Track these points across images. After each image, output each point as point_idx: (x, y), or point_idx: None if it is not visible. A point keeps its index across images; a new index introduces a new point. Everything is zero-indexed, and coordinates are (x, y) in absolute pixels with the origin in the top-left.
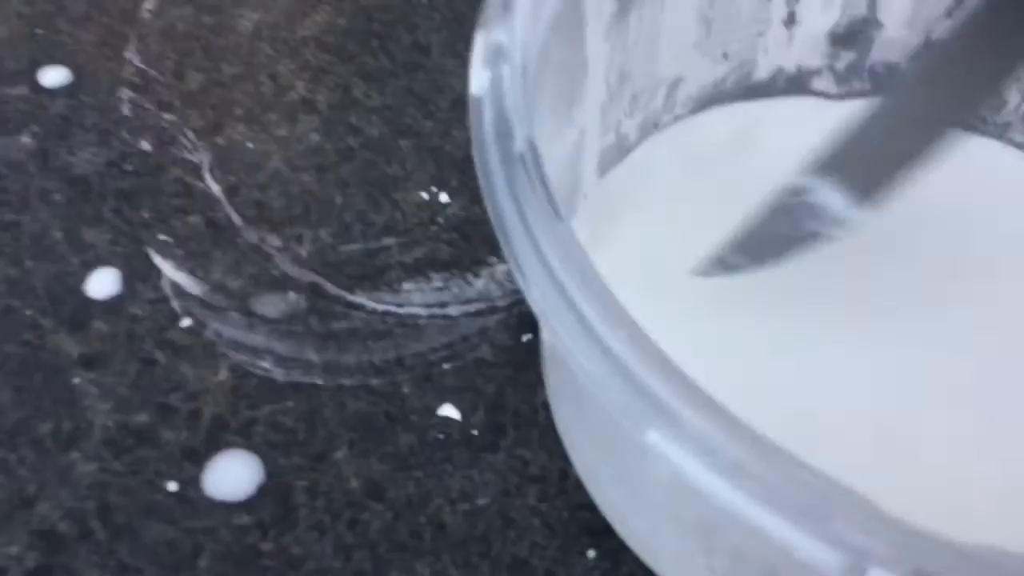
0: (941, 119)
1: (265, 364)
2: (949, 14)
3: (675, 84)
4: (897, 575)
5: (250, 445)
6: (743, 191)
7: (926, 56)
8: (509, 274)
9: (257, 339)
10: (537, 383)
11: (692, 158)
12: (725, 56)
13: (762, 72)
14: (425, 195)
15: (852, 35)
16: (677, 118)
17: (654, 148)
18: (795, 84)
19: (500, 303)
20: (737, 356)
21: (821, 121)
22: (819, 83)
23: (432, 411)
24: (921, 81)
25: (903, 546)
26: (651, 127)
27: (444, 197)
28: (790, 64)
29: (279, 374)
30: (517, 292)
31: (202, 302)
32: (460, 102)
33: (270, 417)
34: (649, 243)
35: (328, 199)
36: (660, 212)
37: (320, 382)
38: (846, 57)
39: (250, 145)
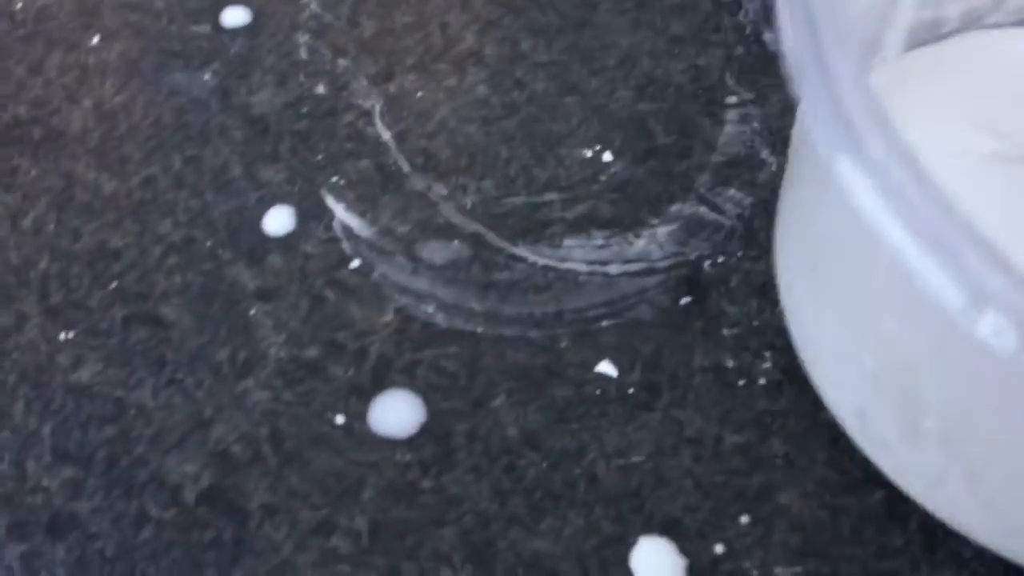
0: None
1: (429, 309)
2: None
3: None
4: (1011, 320)
5: (413, 386)
6: None
7: None
8: (670, 235)
9: (421, 284)
10: (694, 346)
11: (1008, 64)
12: None
13: None
14: (589, 152)
15: None
16: (1003, 24)
17: (965, 43)
18: None
19: (659, 265)
20: None
21: None
22: None
23: (589, 367)
24: None
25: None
26: (974, 22)
27: (607, 156)
28: None
29: (442, 319)
30: (677, 254)
31: (370, 244)
32: (626, 60)
33: (433, 361)
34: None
35: (493, 151)
36: (940, 113)
37: (481, 330)
38: None
39: (420, 94)
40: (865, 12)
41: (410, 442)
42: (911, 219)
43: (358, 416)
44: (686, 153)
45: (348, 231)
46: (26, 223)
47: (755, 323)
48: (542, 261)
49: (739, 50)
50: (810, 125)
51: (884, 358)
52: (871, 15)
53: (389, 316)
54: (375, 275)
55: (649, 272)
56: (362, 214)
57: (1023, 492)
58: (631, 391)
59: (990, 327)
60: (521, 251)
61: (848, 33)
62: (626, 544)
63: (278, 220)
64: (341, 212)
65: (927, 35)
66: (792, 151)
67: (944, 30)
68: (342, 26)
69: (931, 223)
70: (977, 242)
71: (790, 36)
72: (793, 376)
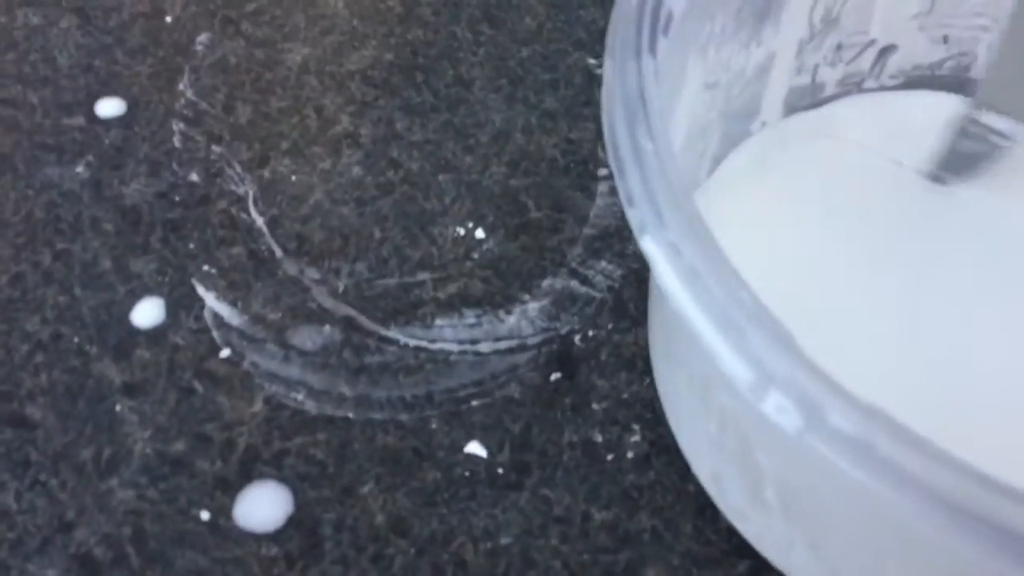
0: None
1: (299, 396)
2: None
3: (887, 50)
4: (791, 399)
5: (281, 476)
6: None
7: None
8: (541, 311)
9: (292, 371)
10: (564, 422)
11: (887, 131)
12: (945, 40)
13: (981, 70)
14: (462, 230)
15: None
16: (883, 87)
17: (846, 108)
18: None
19: (531, 341)
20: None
21: None
22: None
23: (459, 448)
24: None
25: (803, 378)
26: (853, 87)
27: (480, 233)
28: None
29: (312, 406)
30: (548, 330)
31: (241, 333)
32: (500, 136)
33: (301, 449)
34: (801, 184)
35: (367, 233)
36: (830, 164)
37: (351, 415)
38: None
39: (294, 178)
40: (737, 78)
41: (276, 535)
42: (702, 298)
43: (224, 511)
44: (558, 227)
45: (219, 320)
46: None
47: (624, 396)
48: (413, 343)
49: None
50: (625, 205)
51: (724, 428)
52: (746, 81)
53: (258, 405)
54: (245, 364)
55: (520, 349)
56: (233, 302)
57: (864, 560)
58: (500, 471)
59: (774, 405)
60: (393, 333)
61: (670, 113)
62: None
63: (147, 312)
64: (212, 301)
65: (807, 99)
66: None
67: (824, 94)
68: (217, 113)
69: (719, 303)
70: (762, 322)
71: (609, 120)
72: (661, 448)
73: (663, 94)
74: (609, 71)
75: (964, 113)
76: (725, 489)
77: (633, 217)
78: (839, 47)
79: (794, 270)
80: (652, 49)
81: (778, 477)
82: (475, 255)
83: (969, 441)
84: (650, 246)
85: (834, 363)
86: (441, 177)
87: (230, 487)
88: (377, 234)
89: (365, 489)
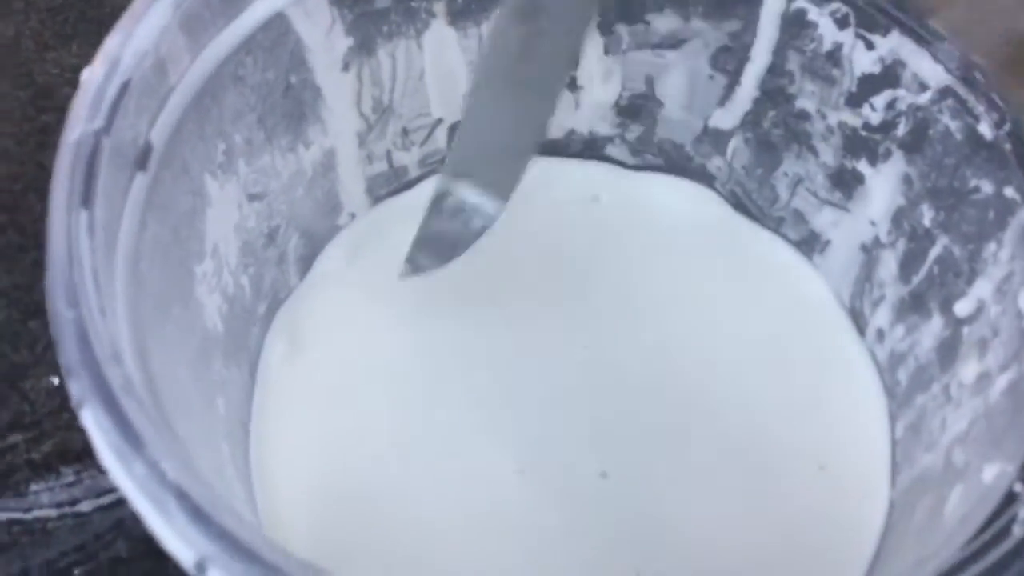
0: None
1: None
2: (722, 104)
3: (456, 126)
4: None
5: None
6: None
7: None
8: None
9: None
10: (176, 574)
11: None
12: None
13: (555, 130)
14: (56, 380)
15: (636, 108)
16: None
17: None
18: (591, 148)
19: None
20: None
21: (613, 186)
22: (614, 150)
23: None
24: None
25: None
26: (436, 164)
27: None
28: (582, 127)
29: None
30: None
31: None
32: None
33: None
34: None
35: None
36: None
37: None
38: (635, 129)
39: None
40: (295, 181)
41: None
42: (131, 474)
43: None
44: None
45: None
46: None
47: None
48: (5, 516)
49: None
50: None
51: None
52: (309, 181)
53: None
54: None
55: (125, 501)
56: None
57: None
58: None
59: None
60: None
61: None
62: None
63: None
64: None
65: (391, 184)
66: None
67: (409, 177)
68: None
69: (146, 480)
70: (192, 498)
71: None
72: None
73: (167, 226)
74: (47, 233)
75: (436, 188)
76: None
77: (72, 390)
78: (405, 131)
79: (387, 372)
80: (86, 202)
81: None
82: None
83: None
84: (87, 419)
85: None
86: (31, 324)
87: None
88: None
89: None
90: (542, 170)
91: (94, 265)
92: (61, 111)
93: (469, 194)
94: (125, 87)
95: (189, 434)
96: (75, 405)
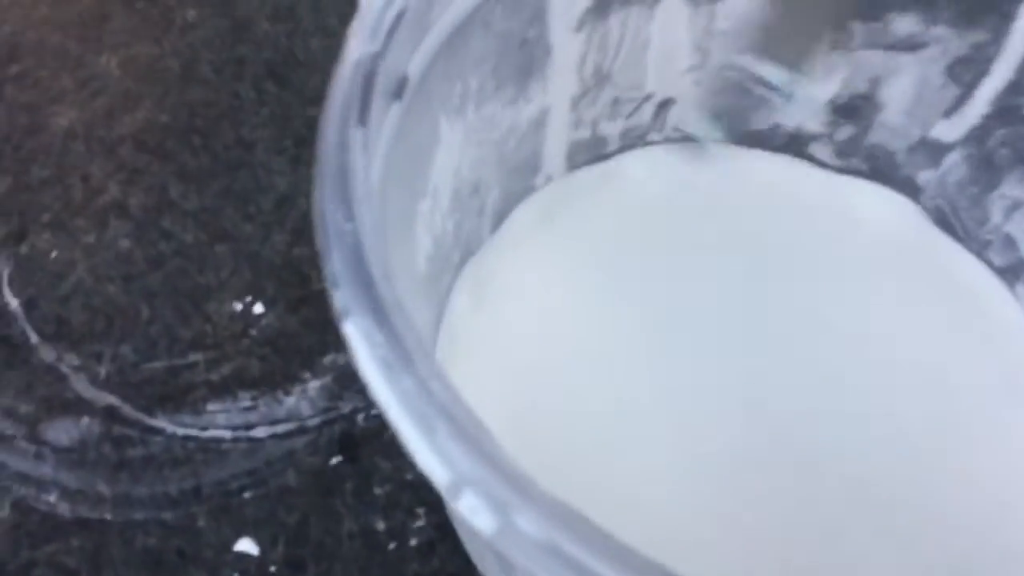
0: None
1: (51, 498)
2: (948, 115)
3: (665, 104)
4: (483, 500)
5: None
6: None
7: None
8: (322, 390)
9: (44, 470)
10: (343, 510)
11: (673, 184)
12: (719, 92)
13: (760, 122)
14: (239, 305)
15: (852, 109)
16: (668, 139)
17: (631, 161)
18: (794, 143)
19: (310, 423)
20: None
21: (811, 186)
22: (818, 149)
23: (228, 546)
24: None
25: (493, 477)
26: (636, 139)
27: (259, 307)
28: (789, 122)
29: (65, 509)
30: (329, 410)
31: None
32: (283, 202)
33: (51, 558)
34: (588, 240)
35: (134, 312)
36: (617, 219)
37: (109, 517)
38: (846, 130)
39: (54, 254)
40: (509, 134)
41: None
42: (396, 390)
43: None
44: None
45: None
46: None
47: (408, 477)
48: (182, 431)
49: None
50: (329, 288)
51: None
52: (521, 137)
53: (4, 511)
54: None
55: (299, 432)
56: None
57: None
58: (273, 569)
59: (468, 507)
60: (159, 422)
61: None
62: None
63: None
64: None
65: (591, 153)
66: None
67: (608, 148)
68: None
69: (412, 396)
70: (454, 417)
71: (317, 199)
72: (446, 532)
73: (407, 159)
74: (319, 145)
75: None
76: None
77: (336, 300)
78: (616, 101)
79: (575, 335)
80: (363, 120)
81: None
82: (253, 332)
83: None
84: (350, 331)
85: (597, 442)
86: (218, 248)
87: None
88: (145, 313)
89: None
90: (741, 161)
91: (366, 183)
92: (258, 44)
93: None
94: (400, 15)
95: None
96: (339, 316)
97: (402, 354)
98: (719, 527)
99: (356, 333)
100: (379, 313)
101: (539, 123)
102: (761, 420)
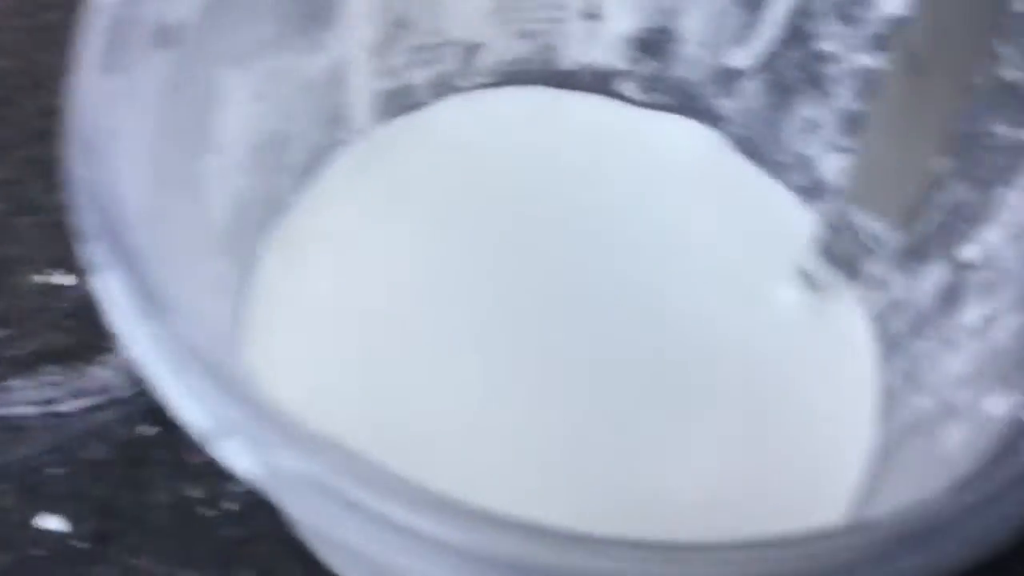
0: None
1: None
2: (740, 43)
3: (472, 49)
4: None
5: None
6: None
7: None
8: (131, 362)
9: None
10: (156, 481)
11: (487, 130)
12: (525, 35)
13: (566, 62)
14: (44, 278)
15: (652, 43)
16: (481, 86)
17: (444, 110)
18: (602, 82)
19: (120, 395)
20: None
21: (620, 123)
22: (625, 86)
23: (34, 524)
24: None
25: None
26: (447, 88)
27: (67, 279)
28: (595, 60)
29: None
30: (138, 382)
31: None
32: None
33: None
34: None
35: None
36: (433, 169)
37: None
38: (649, 65)
39: None
40: (306, 87)
41: None
42: (148, 341)
43: None
44: None
45: None
46: None
47: None
48: None
49: None
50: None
51: None
52: (320, 89)
53: None
54: None
55: (109, 405)
56: None
57: None
58: (81, 545)
59: (228, 452)
60: None
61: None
62: None
63: None
64: None
65: (401, 103)
66: None
67: (419, 98)
68: None
69: (166, 347)
70: (211, 366)
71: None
72: (262, 496)
73: (185, 111)
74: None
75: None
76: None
77: (86, 254)
78: (419, 48)
79: (387, 287)
80: (109, 67)
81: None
82: (61, 304)
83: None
84: (99, 284)
85: (406, 388)
86: (21, 220)
87: None
88: None
89: None
90: (550, 101)
91: (114, 132)
92: (63, 9)
93: (865, 220)
94: None
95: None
96: (90, 269)
97: (153, 302)
98: (525, 454)
99: (105, 286)
100: (129, 265)
101: (338, 74)
102: (560, 353)
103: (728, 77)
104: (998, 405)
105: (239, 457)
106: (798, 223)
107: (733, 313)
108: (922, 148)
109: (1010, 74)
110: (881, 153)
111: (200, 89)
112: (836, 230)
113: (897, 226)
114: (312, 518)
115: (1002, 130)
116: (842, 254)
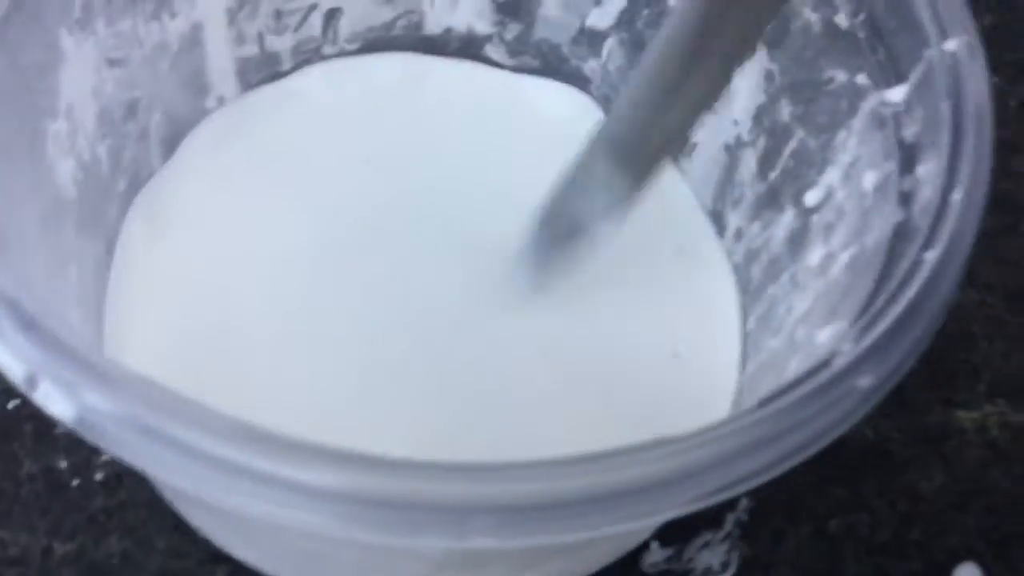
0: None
1: None
2: (598, 2)
3: (333, 15)
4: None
5: None
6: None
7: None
8: None
9: None
10: (22, 453)
11: (352, 97)
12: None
13: (432, 27)
14: None
15: (514, 5)
16: (345, 53)
17: (308, 77)
18: (469, 47)
19: None
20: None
21: (487, 87)
22: (491, 50)
23: None
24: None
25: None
26: (311, 55)
27: None
28: (460, 25)
29: None
30: None
31: None
32: None
33: None
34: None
35: None
36: (297, 138)
37: None
38: (513, 28)
39: None
40: (159, 52)
41: None
42: None
43: None
44: None
45: None
46: None
47: None
48: None
49: None
50: None
51: None
52: (174, 55)
53: None
54: None
55: None
56: None
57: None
58: None
59: (43, 396)
60: None
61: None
62: None
63: None
64: None
65: (265, 71)
66: None
67: (283, 66)
68: None
69: None
70: (25, 313)
71: None
72: None
73: (17, 74)
74: None
75: (578, 155)
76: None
77: None
78: (278, 14)
79: (250, 254)
80: None
81: None
82: None
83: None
84: None
85: (268, 348)
86: None
87: None
88: None
89: None
90: (417, 67)
91: None
92: None
93: (605, 169)
94: None
95: (36, 295)
96: None
97: None
98: (366, 391)
99: None
100: None
101: (193, 39)
102: (406, 305)
103: (591, 39)
104: (826, 335)
105: (54, 401)
106: (664, 183)
107: (602, 264)
108: (688, 103)
109: (843, 21)
110: (645, 104)
111: (37, 51)
112: (575, 176)
113: (632, 181)
114: (131, 459)
115: (840, 76)
116: (570, 209)
